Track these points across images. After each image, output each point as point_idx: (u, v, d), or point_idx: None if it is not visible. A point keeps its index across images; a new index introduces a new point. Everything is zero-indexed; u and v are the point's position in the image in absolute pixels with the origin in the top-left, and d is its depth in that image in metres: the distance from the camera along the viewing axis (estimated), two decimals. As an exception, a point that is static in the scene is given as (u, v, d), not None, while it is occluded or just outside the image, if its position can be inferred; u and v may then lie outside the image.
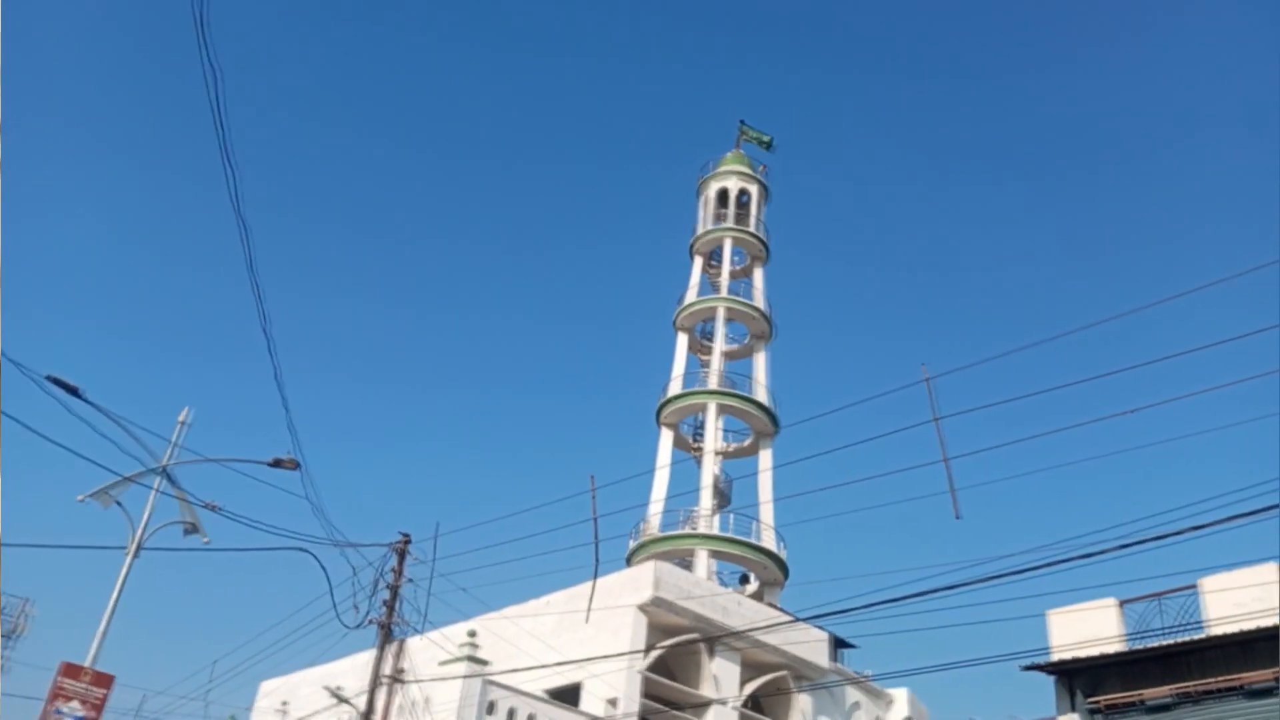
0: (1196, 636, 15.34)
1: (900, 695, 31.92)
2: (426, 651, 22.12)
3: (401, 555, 20.72)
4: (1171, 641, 15.32)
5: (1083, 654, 15.71)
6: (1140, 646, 15.74)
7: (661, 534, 35.10)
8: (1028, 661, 15.99)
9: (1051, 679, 16.48)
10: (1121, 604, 16.61)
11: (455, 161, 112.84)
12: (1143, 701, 15.36)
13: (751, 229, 42.30)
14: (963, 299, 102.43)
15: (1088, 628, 16.43)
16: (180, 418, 18.47)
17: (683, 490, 37.38)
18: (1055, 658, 16.11)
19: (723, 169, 44.02)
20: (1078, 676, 16.06)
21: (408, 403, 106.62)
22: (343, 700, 20.09)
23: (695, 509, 35.99)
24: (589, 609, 23.67)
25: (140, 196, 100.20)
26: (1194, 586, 15.99)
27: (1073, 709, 16.16)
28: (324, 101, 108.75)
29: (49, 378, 16.55)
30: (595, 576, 20.29)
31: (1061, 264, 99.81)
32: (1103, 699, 15.58)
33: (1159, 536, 12.78)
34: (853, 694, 30.69)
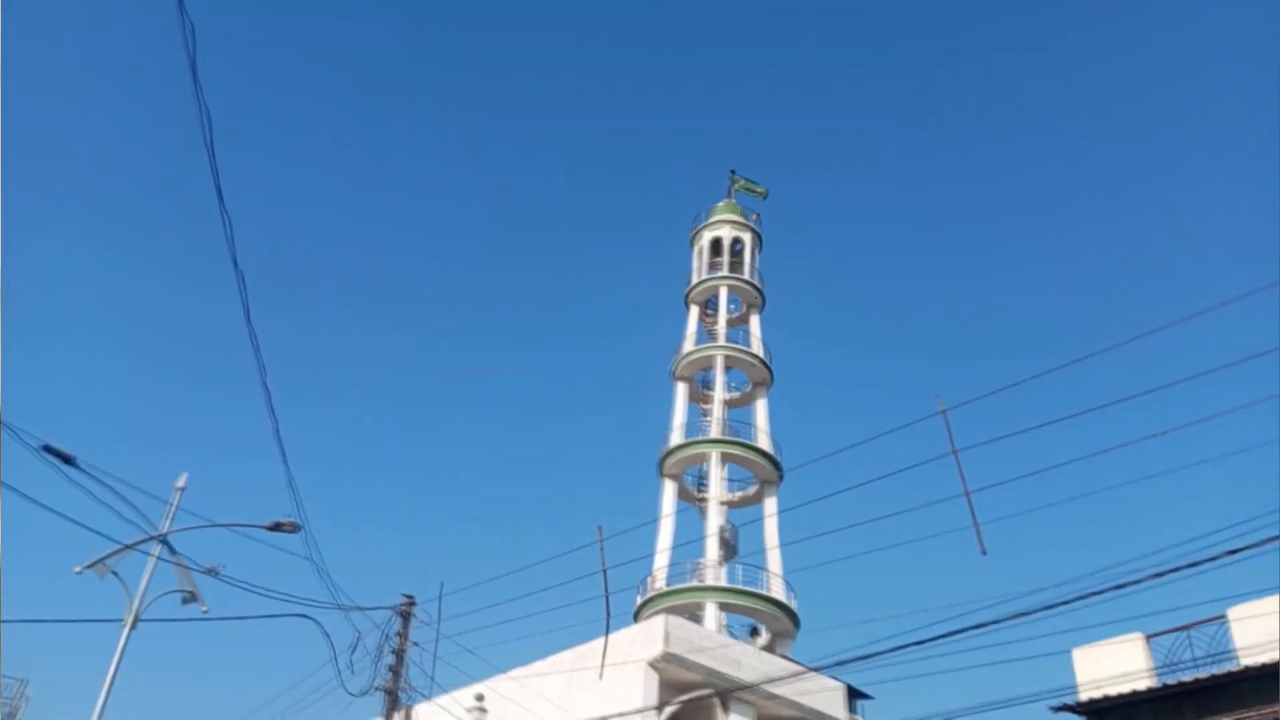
0: (1229, 669, 14.90)
1: (920, 745, 31.08)
2: (435, 718, 21.50)
3: (406, 618, 20.22)
4: (1205, 675, 14.87)
5: (1113, 691, 15.23)
6: (1171, 681, 15.28)
7: (669, 588, 34.51)
8: (1056, 702, 15.52)
9: (1081, 719, 15.98)
10: (1149, 638, 16.17)
11: (457, 195, 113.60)
12: (1176, 739, 14.87)
13: (746, 276, 42.38)
14: (962, 332, 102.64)
15: (1115, 664, 15.97)
16: (178, 483, 18.11)
17: (687, 540, 36.92)
18: (1084, 696, 15.63)
19: (715, 219, 44.26)
20: (1108, 715, 15.57)
21: (404, 461, 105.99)
22: (349, 771, 19.43)
23: (702, 561, 35.45)
24: (602, 664, 23.07)
25: (140, 233, 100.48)
26: (1223, 616, 15.58)
27: (1103, 749, 15.63)
28: (330, 142, 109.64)
29: (44, 447, 16.25)
30: (607, 629, 19.78)
31: (1071, 290, 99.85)
32: (1136, 738, 15.08)
33: (1188, 565, 12.44)
34: (871, 746, 29.90)
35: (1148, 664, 15.97)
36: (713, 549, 35.46)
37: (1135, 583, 12.58)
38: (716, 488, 37.09)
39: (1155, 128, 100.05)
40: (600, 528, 16.43)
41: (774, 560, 35.72)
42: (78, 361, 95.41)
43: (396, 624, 20.19)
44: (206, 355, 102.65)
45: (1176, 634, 16.00)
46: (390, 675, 19.44)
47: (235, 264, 10.07)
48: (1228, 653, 15.39)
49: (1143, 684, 15.45)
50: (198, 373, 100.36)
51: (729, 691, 25.89)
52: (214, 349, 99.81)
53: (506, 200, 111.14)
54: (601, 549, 16.31)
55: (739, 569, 35.47)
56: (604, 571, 16.28)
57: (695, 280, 42.84)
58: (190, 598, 17.77)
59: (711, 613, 33.50)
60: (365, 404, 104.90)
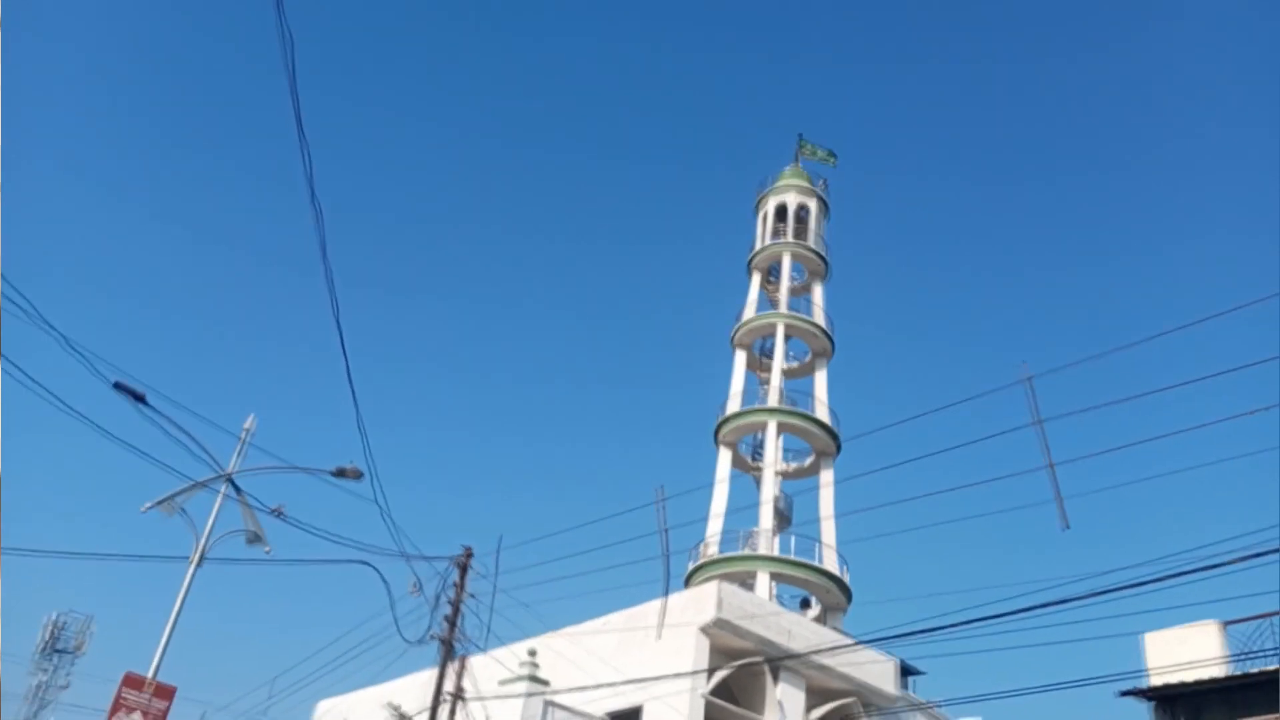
0: (1308, 660, 14.31)
1: (972, 724, 30.67)
2: (487, 670, 21.67)
3: (464, 569, 20.35)
4: (1281, 665, 14.29)
5: (1185, 678, 14.73)
6: (1248, 670, 14.73)
7: (721, 555, 34.36)
8: (1125, 686, 15.06)
9: (1148, 705, 15.50)
10: (1224, 625, 15.59)
11: (513, 162, 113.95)
12: (1249, 729, 14.33)
13: (811, 244, 41.65)
14: (1022, 312, 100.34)
15: (1187, 650, 15.44)
16: (245, 424, 18.36)
17: (741, 507, 36.71)
18: (1154, 682, 15.15)
19: (781, 184, 43.50)
20: (1178, 703, 15.08)
21: (464, 425, 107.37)
22: (404, 717, 19.69)
23: (755, 530, 35.19)
24: (660, 624, 23.04)
25: (206, 195, 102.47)
26: (1304, 607, 14.95)
27: (1172, 736, 15.15)
28: (397, 107, 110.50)
29: (116, 384, 16.53)
30: (666, 590, 19.69)
31: (1135, 262, 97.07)
32: (1208, 726, 14.59)
33: (1266, 552, 11.92)
34: (922, 722, 29.54)
35: (1222, 652, 15.42)
36: (767, 518, 35.19)
37: (1211, 567, 12.10)
38: (772, 457, 36.73)
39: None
40: (661, 488, 16.31)
41: (828, 532, 35.36)
42: (155, 302, 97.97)
43: (454, 575, 20.34)
44: (279, 303, 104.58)
45: (1254, 622, 15.40)
46: (446, 625, 19.60)
47: (313, 196, 9.97)
48: (1308, 645, 14.79)
49: (1216, 671, 14.92)
50: (270, 321, 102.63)
51: (779, 660, 25.73)
52: (287, 299, 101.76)
53: (573, 173, 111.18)
54: (661, 509, 16.18)
55: (792, 539, 35.18)
56: (664, 532, 16.18)
57: (758, 246, 42.23)
58: (255, 538, 18.05)
59: (763, 582, 33.28)
60: (432, 370, 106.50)
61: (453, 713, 19.11)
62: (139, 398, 16.62)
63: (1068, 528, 11.93)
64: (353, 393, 13.72)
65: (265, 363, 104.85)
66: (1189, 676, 14.98)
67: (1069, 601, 12.96)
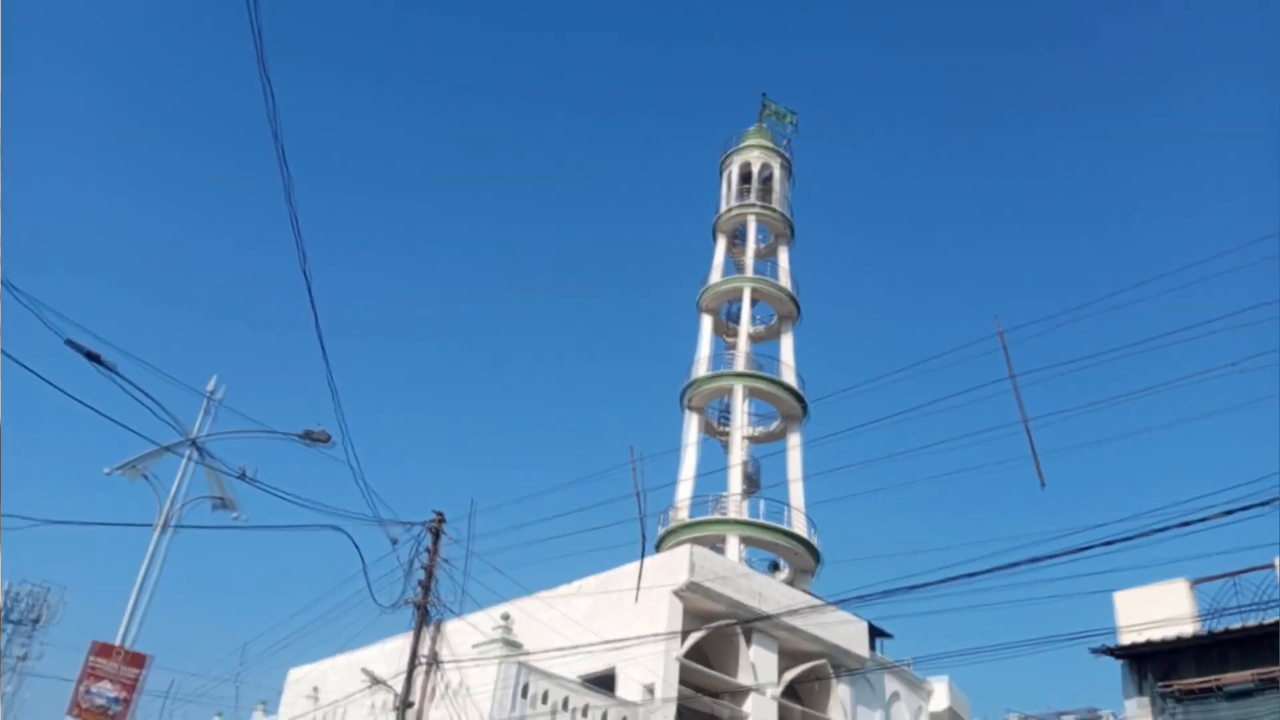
0: (1276, 617, 14.61)
1: (940, 685, 31.22)
2: (462, 634, 21.54)
3: (436, 534, 20.16)
4: (1251, 623, 14.59)
5: (1155, 635, 14.99)
6: (1216, 629, 15.01)
7: (691, 519, 34.46)
8: (1096, 645, 15.29)
9: (1120, 664, 15.77)
10: (1193, 583, 15.87)
11: (477, 132, 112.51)
12: (1220, 687, 14.63)
13: (775, 206, 41.53)
14: (990, 277, 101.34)
15: (1157, 609, 15.70)
16: (208, 387, 17.90)
17: (710, 470, 36.81)
18: (1125, 640, 15.39)
19: (745, 144, 43.24)
20: (1150, 660, 15.35)
21: (433, 383, 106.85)
22: (379, 681, 19.54)
23: (724, 494, 35.32)
24: (638, 586, 23.07)
25: (160, 157, 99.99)
26: (1271, 565, 15.25)
27: (1140, 693, 15.42)
28: (364, 74, 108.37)
29: (68, 341, 15.94)
30: (643, 551, 19.67)
31: (1102, 229, 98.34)
32: (1177, 684, 14.86)
33: (1231, 511, 12.06)
34: (892, 684, 29.96)
35: (1192, 610, 15.71)
36: (735, 482, 35.31)
37: (1182, 524, 12.22)
38: (740, 421, 36.80)
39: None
40: (633, 448, 16.19)
41: (796, 495, 35.59)
42: (117, 269, 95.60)
43: (426, 540, 20.14)
44: (245, 269, 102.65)
45: (1223, 580, 15.69)
46: (420, 590, 19.42)
47: (277, 139, 9.55)
48: (1275, 601, 15.10)
49: (1186, 630, 15.20)
50: (235, 288, 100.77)
51: (752, 623, 25.89)
52: (254, 265, 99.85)
53: (535, 138, 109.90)
54: (635, 470, 16.07)
55: (761, 503, 35.36)
56: (638, 494, 16.09)
57: (723, 209, 42.02)
58: (223, 504, 17.69)
59: (733, 546, 33.47)
60: (400, 342, 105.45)
61: (428, 677, 18.99)
62: (93, 356, 16.07)
63: (1044, 485, 12.00)
64: (322, 347, 13.38)
65: (230, 330, 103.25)
66: (1158, 635, 15.24)
67: (1039, 560, 13.05)
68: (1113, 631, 16.02)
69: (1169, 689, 14.96)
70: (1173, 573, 16.25)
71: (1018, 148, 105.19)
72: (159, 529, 17.82)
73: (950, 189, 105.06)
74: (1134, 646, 15.24)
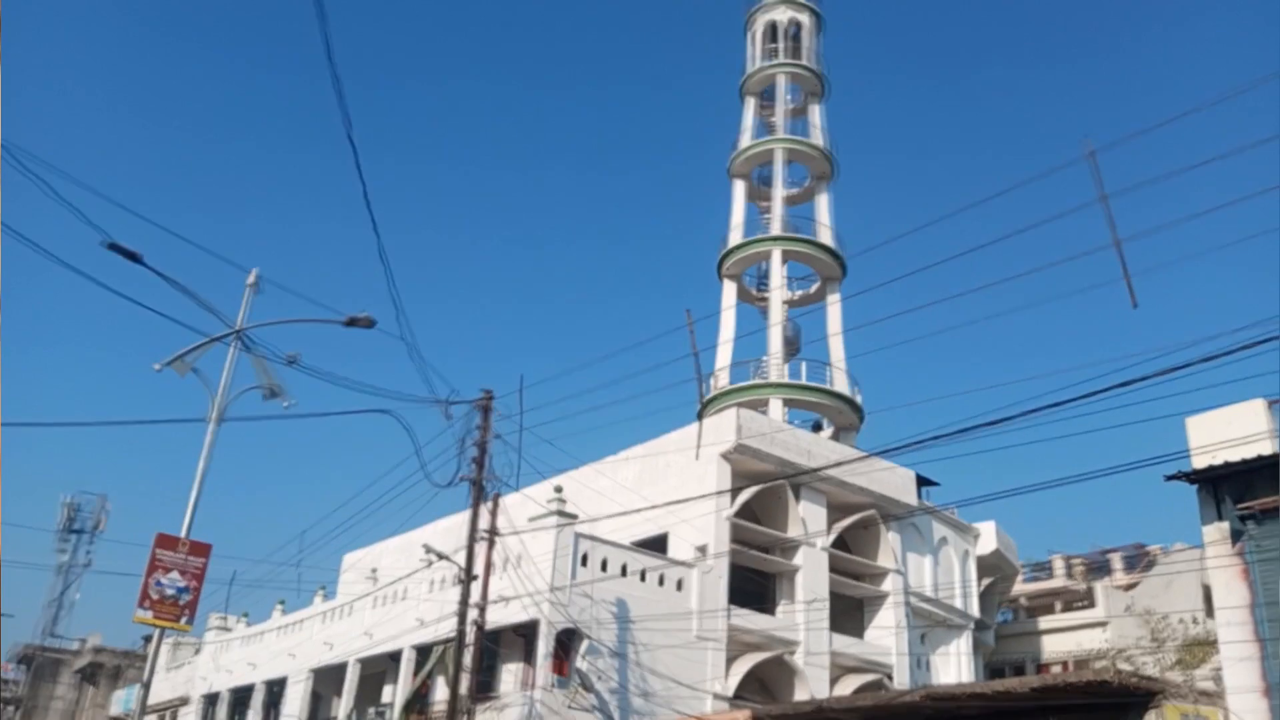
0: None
1: (987, 528, 31.41)
2: (518, 508, 21.69)
3: (486, 411, 20.00)
4: (1332, 438, 14.13)
5: (1231, 457, 14.57)
6: (1295, 447, 14.56)
7: (733, 385, 34.30)
8: (1170, 470, 14.91)
9: (1193, 489, 15.41)
10: (1271, 403, 15.35)
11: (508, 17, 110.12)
12: (1300, 503, 14.27)
13: (806, 62, 39.84)
14: (1029, 122, 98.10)
15: (1233, 430, 15.21)
16: (249, 279, 17.51)
17: (748, 333, 36.53)
18: (1198, 464, 14.99)
19: (771, -1, 41.25)
20: (1225, 483, 14.98)
21: (469, 261, 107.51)
22: (442, 557, 19.76)
23: (765, 359, 35.04)
24: (699, 445, 23.12)
25: (193, 70, 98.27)
26: (1352, 381, 14.72)
27: (1220, 518, 15.08)
28: None
29: (108, 244, 15.59)
30: (701, 412, 19.43)
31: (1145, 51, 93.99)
32: (1256, 504, 14.52)
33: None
34: (940, 530, 30.20)
35: (1269, 428, 15.23)
36: (776, 344, 34.97)
37: (1256, 343, 11.61)
38: (778, 284, 36.21)
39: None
40: (689, 311, 15.74)
41: (837, 351, 35.28)
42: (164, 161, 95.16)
43: (477, 418, 19.99)
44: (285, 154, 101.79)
45: (1301, 398, 15.18)
46: (474, 467, 19.39)
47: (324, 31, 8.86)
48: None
49: (1264, 449, 14.76)
50: (275, 171, 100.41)
51: (800, 479, 25.97)
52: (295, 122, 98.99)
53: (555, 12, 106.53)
54: (692, 333, 15.64)
55: (803, 365, 35.10)
56: (695, 355, 15.71)
57: (750, 69, 40.39)
58: (272, 393, 17.47)
59: (775, 408, 33.36)
60: (440, 230, 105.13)
61: (490, 549, 19.14)
62: (134, 257, 15.73)
63: (1135, 306, 11.36)
64: (372, 219, 12.88)
65: (273, 219, 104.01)
66: (1234, 456, 14.82)
67: (1118, 387, 12.47)
68: (1185, 455, 15.58)
69: (1249, 510, 14.64)
70: (1244, 395, 15.70)
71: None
72: (214, 421, 17.73)
73: (989, 29, 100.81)
74: (1206, 470, 14.85)
